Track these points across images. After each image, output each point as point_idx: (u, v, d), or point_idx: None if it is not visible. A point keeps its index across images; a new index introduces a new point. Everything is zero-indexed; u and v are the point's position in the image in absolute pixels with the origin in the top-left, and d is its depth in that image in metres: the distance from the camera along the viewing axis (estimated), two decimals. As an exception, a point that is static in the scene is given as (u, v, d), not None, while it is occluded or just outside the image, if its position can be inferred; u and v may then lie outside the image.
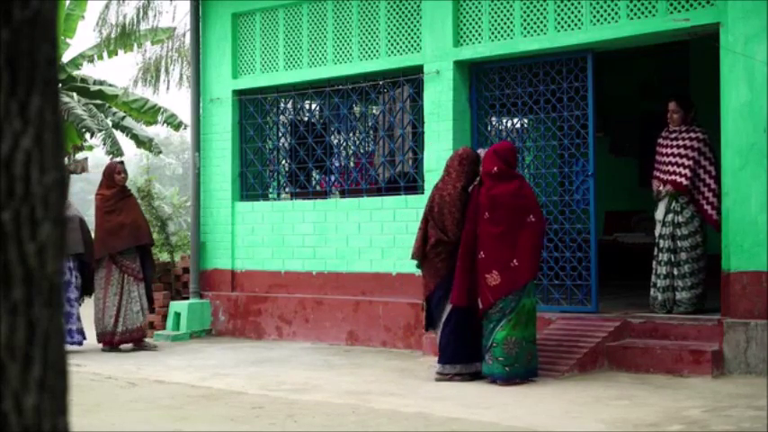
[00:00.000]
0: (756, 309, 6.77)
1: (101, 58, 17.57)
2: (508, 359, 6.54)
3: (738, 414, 5.38)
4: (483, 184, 6.82)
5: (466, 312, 6.75)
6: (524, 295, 6.62)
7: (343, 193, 9.70)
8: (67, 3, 17.42)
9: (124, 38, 12.63)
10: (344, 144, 10.06)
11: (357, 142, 10.01)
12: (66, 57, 18.36)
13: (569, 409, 5.63)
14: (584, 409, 5.61)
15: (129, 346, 9.12)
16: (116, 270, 8.96)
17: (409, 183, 9.10)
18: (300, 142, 9.88)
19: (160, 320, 10.34)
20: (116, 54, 16.53)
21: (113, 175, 9.21)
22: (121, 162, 9.68)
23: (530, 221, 6.66)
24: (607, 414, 5.46)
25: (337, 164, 9.97)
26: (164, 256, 11.38)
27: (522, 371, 6.60)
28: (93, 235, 9.26)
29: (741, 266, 6.89)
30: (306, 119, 10.17)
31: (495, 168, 6.74)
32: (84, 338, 9.10)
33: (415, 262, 7.20)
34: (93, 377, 7.27)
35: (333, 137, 9.93)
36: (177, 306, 10.11)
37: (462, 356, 6.81)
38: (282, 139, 10.29)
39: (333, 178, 10.00)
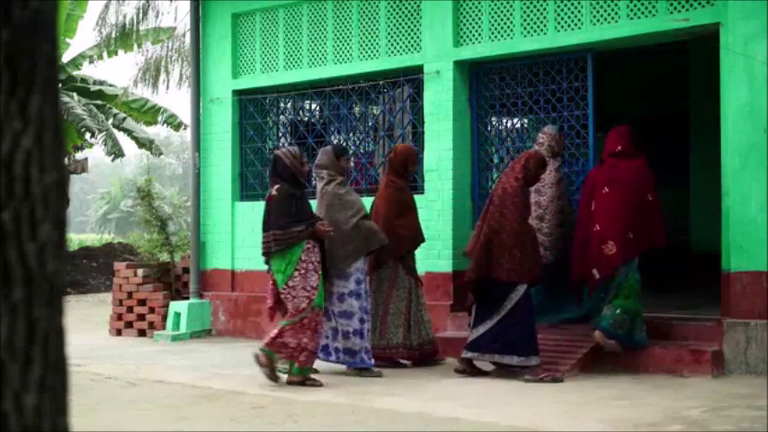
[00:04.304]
0: (756, 309, 6.77)
1: (101, 58, 17.59)
2: (622, 327, 6.88)
3: (738, 414, 5.38)
4: (604, 163, 7.20)
5: (530, 301, 6.83)
6: (632, 269, 6.93)
7: (343, 193, 9.69)
8: (68, 3, 17.43)
9: (124, 38, 12.63)
10: (344, 144, 10.05)
11: (357, 142, 10.01)
12: (66, 57, 18.38)
13: (569, 409, 5.63)
14: (585, 409, 5.61)
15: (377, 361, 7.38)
16: (402, 272, 7.50)
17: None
18: (300, 142, 9.88)
19: (160, 320, 10.34)
20: (116, 54, 16.55)
21: (409, 164, 7.70)
22: (417, 150, 8.08)
23: (648, 200, 7.01)
24: (607, 414, 5.45)
25: (337, 164, 9.96)
26: (164, 256, 11.38)
27: (638, 340, 6.92)
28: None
29: (741, 266, 6.89)
30: (306, 119, 10.18)
31: (619, 147, 7.17)
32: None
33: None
34: (93, 377, 7.27)
35: (333, 137, 9.93)
36: (177, 306, 10.11)
37: (536, 348, 6.77)
38: (282, 139, 10.29)
39: (333, 178, 9.97)
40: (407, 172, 7.71)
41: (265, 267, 6.95)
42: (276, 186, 6.76)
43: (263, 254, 6.80)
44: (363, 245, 7.09)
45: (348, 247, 7.02)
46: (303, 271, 6.59)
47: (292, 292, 6.60)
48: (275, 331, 6.67)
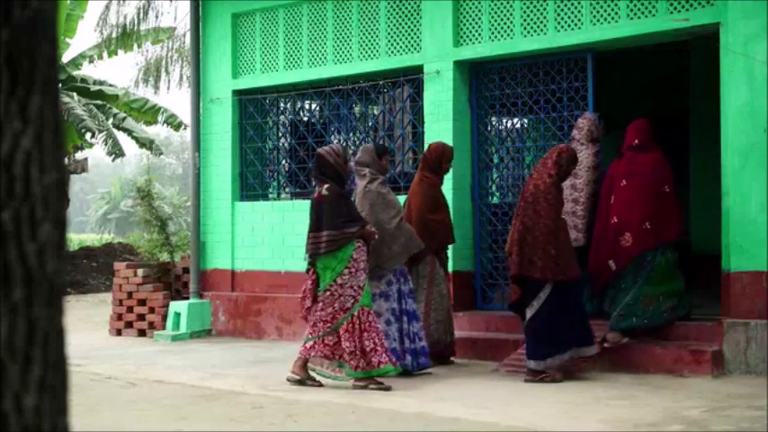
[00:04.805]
0: (756, 309, 6.77)
1: (101, 58, 17.60)
2: (645, 313, 7.00)
3: (738, 414, 5.38)
4: (623, 156, 7.30)
5: (561, 295, 6.69)
6: (658, 254, 7.04)
7: (344, 193, 9.69)
8: (68, 3, 17.43)
9: (124, 38, 12.63)
10: (344, 144, 10.05)
11: (357, 142, 10.01)
12: (66, 57, 18.38)
13: (569, 409, 5.63)
14: (585, 409, 5.61)
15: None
16: (440, 268, 7.48)
17: (409, 183, 9.08)
18: (300, 142, 9.88)
19: (160, 320, 10.34)
20: (116, 54, 16.55)
21: (443, 161, 7.67)
22: (452, 148, 7.88)
23: (665, 192, 7.11)
24: (607, 414, 5.45)
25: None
26: (164, 256, 11.38)
27: (658, 322, 7.06)
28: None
29: (741, 266, 6.89)
30: (306, 119, 10.18)
31: (637, 141, 7.29)
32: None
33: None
34: (93, 377, 7.27)
35: (333, 137, 9.94)
36: (177, 306, 10.11)
37: (568, 343, 6.71)
38: (282, 139, 10.29)
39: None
40: (441, 169, 7.68)
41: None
42: (326, 186, 6.62)
43: (310, 255, 6.65)
44: (407, 247, 7.04)
45: (393, 248, 6.95)
46: (353, 270, 6.48)
47: (339, 290, 6.47)
48: (335, 338, 6.54)
